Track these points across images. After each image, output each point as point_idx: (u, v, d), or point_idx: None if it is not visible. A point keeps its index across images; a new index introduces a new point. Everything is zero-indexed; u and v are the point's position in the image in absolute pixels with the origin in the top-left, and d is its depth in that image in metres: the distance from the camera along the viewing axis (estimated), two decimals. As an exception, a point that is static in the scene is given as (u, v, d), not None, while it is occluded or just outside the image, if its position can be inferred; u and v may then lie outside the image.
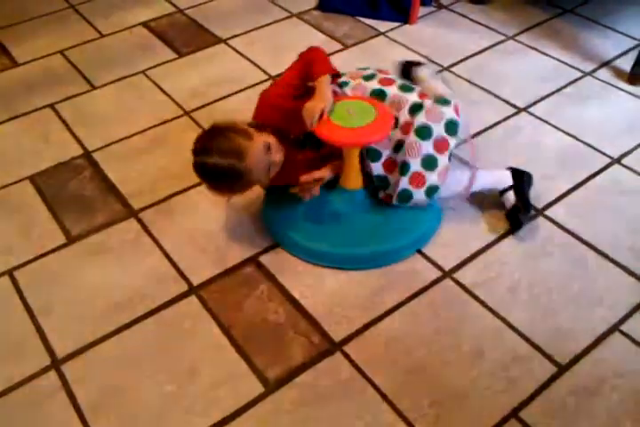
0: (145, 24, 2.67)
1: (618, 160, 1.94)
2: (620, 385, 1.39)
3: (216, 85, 2.30)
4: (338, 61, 2.37)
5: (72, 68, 2.43)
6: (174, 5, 2.78)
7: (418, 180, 1.61)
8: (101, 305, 1.59)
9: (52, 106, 2.23)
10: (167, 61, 2.44)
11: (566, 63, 2.36)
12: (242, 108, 2.17)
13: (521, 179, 1.75)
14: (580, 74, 2.31)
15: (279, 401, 1.38)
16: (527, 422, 1.33)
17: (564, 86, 2.25)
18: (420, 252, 1.68)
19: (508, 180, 1.75)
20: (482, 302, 1.56)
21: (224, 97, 2.24)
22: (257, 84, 2.29)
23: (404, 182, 1.60)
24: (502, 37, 2.52)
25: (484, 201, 1.81)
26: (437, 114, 1.59)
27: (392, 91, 1.65)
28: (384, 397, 1.38)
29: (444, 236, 1.72)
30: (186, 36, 2.58)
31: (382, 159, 1.64)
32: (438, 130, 1.59)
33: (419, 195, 1.62)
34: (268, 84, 2.29)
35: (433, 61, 2.38)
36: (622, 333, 1.49)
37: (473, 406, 1.36)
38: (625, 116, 2.11)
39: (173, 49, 2.51)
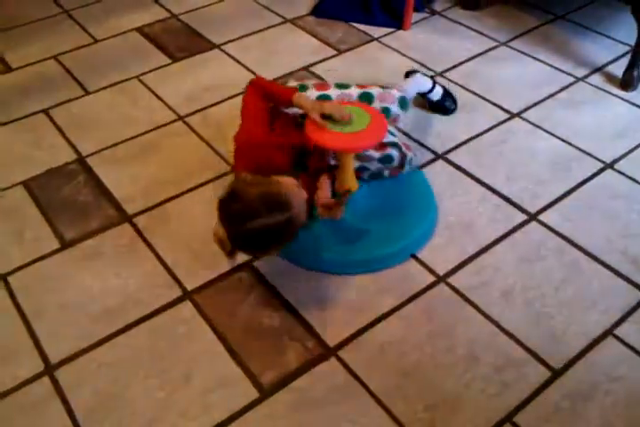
0: (139, 29, 2.67)
1: (610, 165, 1.96)
2: (614, 389, 1.40)
3: (210, 91, 2.30)
4: (332, 67, 2.40)
5: (66, 73, 2.43)
6: (168, 11, 2.79)
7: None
8: (95, 310, 1.58)
9: (45, 111, 2.23)
10: (161, 67, 2.44)
11: (559, 69, 2.38)
12: (235, 114, 2.17)
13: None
14: (572, 79, 2.32)
15: (274, 406, 1.38)
16: (521, 427, 1.34)
17: (557, 92, 2.26)
18: (414, 256, 1.69)
19: (427, 83, 2.05)
20: (476, 307, 1.57)
21: (218, 102, 2.24)
22: (251, 89, 2.29)
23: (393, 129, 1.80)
24: (495, 43, 2.53)
25: (478, 207, 1.81)
26: (389, 96, 1.76)
27: (333, 93, 1.73)
28: (379, 401, 1.38)
29: (438, 240, 1.73)
30: (180, 42, 2.58)
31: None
32: (395, 109, 1.77)
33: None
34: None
35: (426, 67, 2.39)
36: (616, 337, 1.50)
37: (467, 411, 1.37)
38: (617, 121, 2.12)
39: (167, 54, 2.51)
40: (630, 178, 1.91)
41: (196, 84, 2.34)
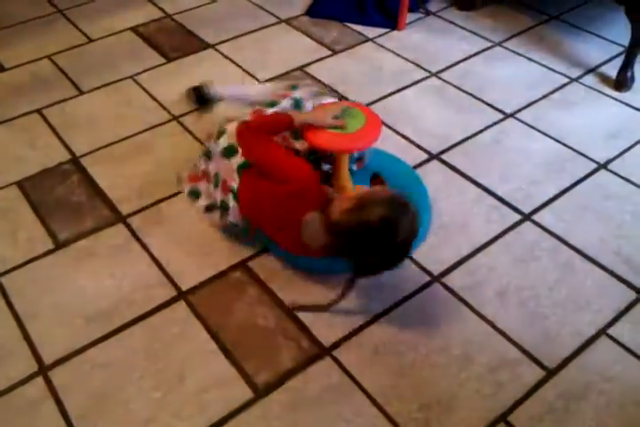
0: (133, 29, 2.66)
1: (604, 165, 1.96)
2: (608, 389, 1.40)
3: (205, 91, 2.29)
4: (326, 67, 2.40)
5: (60, 72, 2.42)
6: (163, 11, 2.78)
7: None
8: (89, 311, 1.58)
9: (39, 111, 2.22)
10: (155, 66, 2.44)
11: (553, 69, 2.38)
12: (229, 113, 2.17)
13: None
14: (566, 80, 2.33)
15: (268, 406, 1.38)
16: (515, 426, 1.34)
17: (551, 92, 2.27)
18: (409, 257, 1.69)
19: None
20: (470, 307, 1.57)
21: (213, 102, 2.24)
22: (245, 89, 2.30)
23: None
24: (489, 44, 2.54)
25: (473, 208, 1.82)
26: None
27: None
28: (374, 401, 1.38)
29: (432, 241, 1.73)
30: (174, 42, 2.58)
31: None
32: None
33: None
34: (256, 89, 2.29)
35: (421, 67, 2.40)
36: (609, 337, 1.50)
37: (462, 410, 1.37)
38: (611, 121, 2.13)
39: (162, 54, 2.51)
40: (624, 178, 1.91)
41: (190, 84, 2.32)
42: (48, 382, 1.43)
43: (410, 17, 2.67)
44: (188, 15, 2.75)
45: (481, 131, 2.10)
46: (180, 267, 1.67)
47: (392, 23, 2.63)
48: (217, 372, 1.44)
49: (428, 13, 2.74)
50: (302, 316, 1.55)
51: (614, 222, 1.78)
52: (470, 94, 2.26)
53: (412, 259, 1.68)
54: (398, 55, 2.47)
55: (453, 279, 1.63)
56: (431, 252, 1.70)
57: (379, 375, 1.43)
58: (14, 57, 2.50)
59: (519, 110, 2.18)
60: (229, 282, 1.64)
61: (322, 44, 2.55)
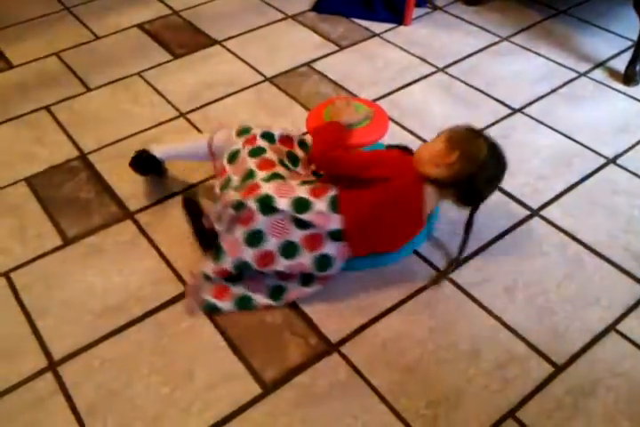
0: (140, 26, 2.66)
1: (613, 160, 1.95)
2: (617, 385, 1.40)
3: (211, 87, 2.30)
4: (333, 62, 2.40)
5: (67, 69, 2.42)
6: (169, 7, 2.78)
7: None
8: (98, 307, 1.58)
9: (47, 108, 2.23)
10: (162, 63, 2.44)
11: (561, 64, 2.37)
12: (237, 110, 2.18)
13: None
14: (574, 74, 2.32)
15: (276, 402, 1.38)
16: (524, 422, 1.34)
17: (559, 87, 2.26)
18: (416, 252, 1.69)
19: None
20: (478, 303, 1.57)
21: (219, 98, 2.24)
22: (252, 85, 2.30)
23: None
24: (497, 38, 2.53)
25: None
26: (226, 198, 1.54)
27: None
28: (381, 397, 1.38)
29: (439, 236, 1.73)
30: (181, 38, 2.58)
31: None
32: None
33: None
34: (263, 85, 2.29)
35: (428, 62, 2.39)
36: (618, 332, 1.50)
37: (470, 407, 1.37)
38: (620, 116, 2.12)
39: (168, 50, 2.51)
40: (633, 173, 1.90)
41: (197, 81, 2.33)
42: (57, 377, 1.44)
43: (416, 12, 2.66)
44: (195, 12, 2.75)
45: (489, 126, 2.09)
46: (187, 263, 1.68)
47: (399, 18, 2.62)
48: (225, 368, 1.45)
49: (434, 8, 2.73)
50: (310, 312, 1.55)
51: (623, 218, 1.77)
52: (478, 89, 2.25)
53: (419, 254, 1.68)
54: (405, 50, 2.47)
55: (461, 275, 1.63)
56: (438, 247, 1.70)
57: (386, 371, 1.43)
58: (22, 54, 2.51)
59: (527, 105, 2.17)
60: (237, 278, 1.64)
61: (328, 39, 2.54)
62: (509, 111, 2.15)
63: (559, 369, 1.43)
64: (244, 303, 1.55)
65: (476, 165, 1.41)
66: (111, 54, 2.50)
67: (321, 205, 1.43)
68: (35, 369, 1.46)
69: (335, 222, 1.44)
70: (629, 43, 2.45)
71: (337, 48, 2.49)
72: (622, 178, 1.89)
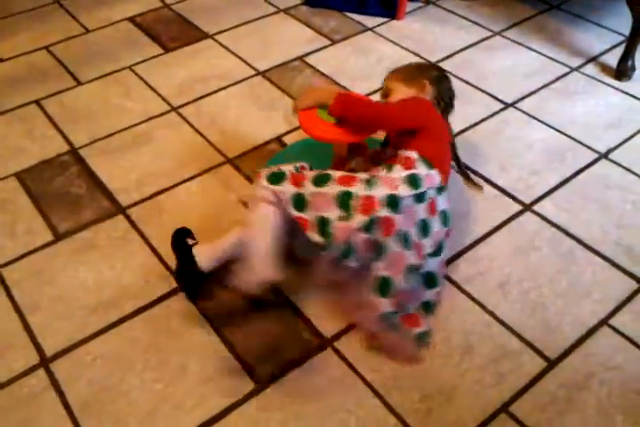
0: (131, 19, 2.64)
1: (605, 155, 1.96)
2: (609, 379, 1.40)
3: (203, 81, 2.28)
4: (325, 56, 2.39)
5: (57, 63, 2.40)
6: (160, 0, 2.76)
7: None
8: (90, 303, 1.57)
9: (37, 102, 2.21)
10: (154, 57, 2.42)
11: (553, 59, 2.37)
12: (230, 104, 2.17)
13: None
14: (566, 69, 2.32)
15: (270, 398, 1.38)
16: (517, 417, 1.34)
17: (552, 82, 2.26)
18: (409, 247, 1.69)
19: None
20: (471, 297, 1.57)
21: (211, 93, 2.23)
22: (244, 79, 2.28)
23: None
24: (489, 33, 2.53)
25: (473, 197, 1.81)
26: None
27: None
28: (375, 392, 1.38)
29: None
30: (172, 32, 2.56)
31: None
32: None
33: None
34: (255, 79, 2.28)
35: (420, 56, 2.38)
36: (611, 327, 1.50)
37: (463, 401, 1.37)
38: (612, 111, 2.12)
39: (160, 44, 2.49)
40: (625, 168, 1.91)
41: (189, 75, 2.32)
42: (49, 373, 1.43)
43: (409, 6, 2.66)
44: (186, 5, 2.73)
45: (481, 121, 2.09)
46: (180, 258, 1.67)
47: (391, 12, 2.61)
48: (218, 363, 1.44)
49: (427, 2, 2.73)
50: (303, 307, 1.55)
51: (615, 212, 1.77)
52: (470, 84, 2.25)
53: (412, 250, 1.68)
54: (398, 45, 2.46)
55: (454, 270, 1.63)
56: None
57: (380, 366, 1.43)
58: (11, 48, 2.49)
59: (519, 100, 2.17)
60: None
61: (321, 33, 2.53)
62: (502, 106, 2.15)
63: (552, 364, 1.43)
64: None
65: (444, 79, 1.67)
66: (102, 48, 2.48)
67: (421, 170, 1.42)
68: (26, 366, 1.45)
69: (437, 177, 1.44)
70: (621, 38, 2.45)
71: (329, 42, 2.48)
72: (615, 173, 1.90)
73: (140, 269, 1.65)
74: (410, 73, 1.64)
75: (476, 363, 1.44)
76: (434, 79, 1.62)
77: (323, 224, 1.35)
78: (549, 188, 1.85)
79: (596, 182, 1.86)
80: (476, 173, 1.89)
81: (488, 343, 1.47)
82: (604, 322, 1.51)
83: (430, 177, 1.43)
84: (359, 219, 1.34)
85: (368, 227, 1.34)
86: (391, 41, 2.48)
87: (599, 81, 2.26)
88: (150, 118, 2.13)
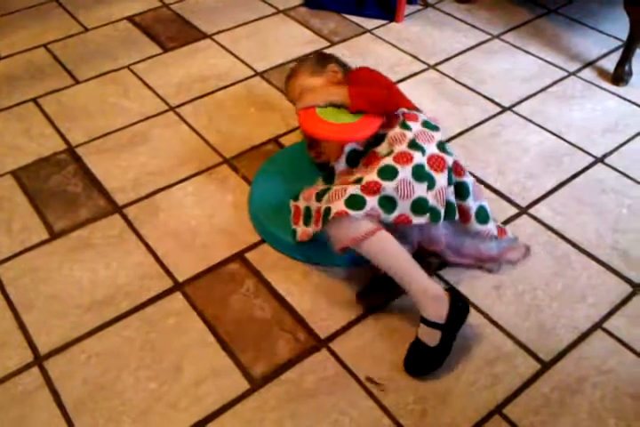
0: (130, 18, 2.64)
1: (601, 159, 1.96)
2: (603, 382, 1.41)
3: (201, 81, 2.28)
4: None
5: (55, 62, 2.40)
6: (160, 0, 2.76)
7: (337, 195, 1.41)
8: (85, 301, 1.57)
9: (34, 100, 2.21)
10: (152, 56, 2.42)
11: (551, 63, 2.38)
12: (227, 104, 2.17)
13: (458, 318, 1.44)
14: (564, 73, 2.33)
15: (264, 398, 1.38)
16: (511, 419, 1.34)
17: (549, 86, 2.26)
18: (405, 249, 1.69)
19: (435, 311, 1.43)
20: (467, 300, 1.57)
21: (209, 93, 2.23)
22: (242, 79, 2.29)
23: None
24: (487, 36, 2.53)
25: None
26: (336, 195, 1.42)
27: (382, 162, 1.45)
28: (369, 393, 1.39)
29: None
30: (171, 31, 2.56)
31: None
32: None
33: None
34: (254, 80, 2.28)
35: (419, 59, 2.39)
36: (605, 330, 1.51)
37: (457, 403, 1.37)
38: (608, 115, 2.13)
39: (158, 44, 2.49)
40: (621, 172, 1.92)
41: (187, 75, 2.32)
42: (44, 371, 1.43)
43: (408, 9, 2.66)
44: (186, 5, 2.73)
45: (478, 124, 2.09)
46: (176, 258, 1.67)
47: (390, 15, 2.62)
48: (213, 363, 1.44)
49: (426, 5, 2.73)
50: (299, 308, 1.55)
51: (611, 216, 1.78)
52: (468, 87, 2.25)
53: (408, 251, 1.68)
54: (396, 47, 2.47)
55: (449, 272, 1.63)
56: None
57: (375, 367, 1.43)
58: (10, 45, 2.49)
59: (517, 104, 2.18)
60: (226, 273, 1.63)
61: (320, 35, 2.54)
62: (499, 109, 2.16)
63: (546, 366, 1.44)
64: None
65: (341, 61, 1.80)
66: (100, 47, 2.48)
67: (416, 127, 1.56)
68: (20, 364, 1.45)
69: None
70: (619, 42, 2.46)
71: (328, 44, 2.49)
72: (610, 177, 1.90)
73: (136, 269, 1.65)
74: (314, 66, 1.73)
75: (471, 365, 1.44)
76: (339, 63, 1.76)
77: (421, 202, 1.43)
78: (545, 191, 1.86)
79: (592, 186, 1.87)
80: (472, 175, 1.89)
81: (482, 345, 1.48)
82: (598, 326, 1.52)
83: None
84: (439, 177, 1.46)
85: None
86: (390, 43, 2.49)
87: (596, 85, 2.27)
88: (148, 118, 2.13)
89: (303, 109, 1.55)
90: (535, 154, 1.98)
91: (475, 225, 1.56)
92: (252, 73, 2.33)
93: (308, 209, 1.54)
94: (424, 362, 1.39)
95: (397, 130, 1.52)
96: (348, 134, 1.52)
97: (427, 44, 2.49)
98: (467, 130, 2.06)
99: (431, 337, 1.37)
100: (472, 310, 1.54)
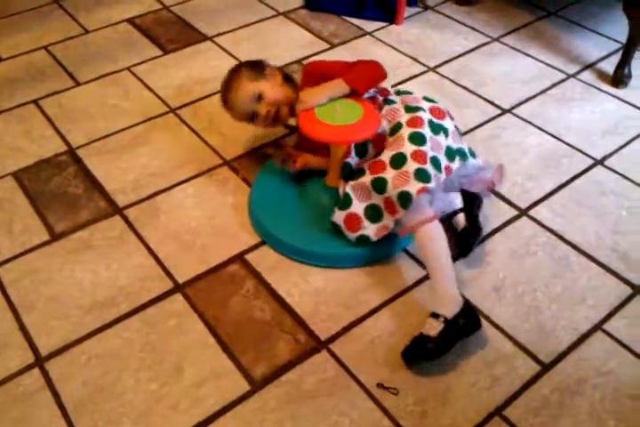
0: (130, 20, 2.65)
1: (601, 161, 1.97)
2: (602, 384, 1.41)
3: (202, 83, 2.29)
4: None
5: (56, 63, 2.41)
6: (160, 2, 2.77)
7: (353, 222, 1.57)
8: (86, 302, 1.58)
9: (35, 102, 2.21)
10: (152, 58, 2.43)
11: (550, 65, 2.38)
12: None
13: (472, 202, 1.67)
14: (563, 76, 2.33)
15: (265, 399, 1.38)
16: (511, 420, 1.34)
17: (548, 88, 2.27)
18: (405, 251, 1.69)
19: (457, 202, 1.71)
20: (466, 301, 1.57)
21: (210, 95, 2.23)
22: (243, 82, 2.29)
23: (338, 217, 1.60)
24: (487, 39, 2.54)
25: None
26: (403, 181, 1.47)
27: (404, 132, 1.55)
28: (369, 394, 1.39)
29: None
30: (171, 33, 2.57)
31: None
32: (390, 193, 1.49)
33: (349, 236, 1.60)
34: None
35: (419, 62, 2.40)
36: (605, 332, 1.51)
37: (457, 404, 1.37)
38: (608, 117, 2.14)
39: (159, 46, 2.50)
40: (620, 174, 1.92)
41: (187, 77, 2.33)
42: (44, 373, 1.43)
43: (408, 11, 2.67)
44: (186, 7, 2.73)
45: (478, 126, 2.10)
46: (176, 259, 1.67)
47: (390, 17, 2.62)
48: (213, 364, 1.45)
49: (426, 8, 2.74)
50: (298, 309, 1.55)
51: (610, 218, 1.78)
52: (468, 89, 2.26)
53: (407, 252, 1.68)
54: (396, 49, 2.47)
55: (450, 274, 1.64)
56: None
57: (375, 369, 1.44)
58: (11, 47, 2.49)
59: (516, 106, 2.19)
60: (226, 275, 1.64)
61: (320, 37, 2.54)
62: (499, 111, 2.16)
63: (546, 368, 1.44)
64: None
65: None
66: (101, 49, 2.49)
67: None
68: (21, 365, 1.45)
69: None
70: (618, 45, 2.47)
71: (328, 46, 2.49)
72: (610, 179, 1.91)
73: (136, 270, 1.65)
74: (255, 72, 1.71)
75: (471, 366, 1.44)
76: (270, 66, 1.77)
77: (449, 151, 1.59)
78: (545, 193, 1.86)
79: (592, 188, 1.87)
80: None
81: (483, 347, 1.48)
82: (597, 327, 1.52)
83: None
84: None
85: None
86: (390, 46, 2.49)
87: (596, 88, 2.27)
88: (148, 119, 2.13)
89: (303, 112, 1.55)
90: (535, 156, 1.98)
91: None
92: (253, 75, 2.33)
93: (371, 207, 1.55)
94: (420, 351, 1.40)
95: (387, 107, 1.64)
96: (350, 136, 1.52)
97: (427, 46, 2.50)
98: (467, 132, 2.06)
99: (433, 328, 1.40)
100: (472, 312, 1.54)
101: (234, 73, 1.74)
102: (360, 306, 1.56)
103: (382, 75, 1.64)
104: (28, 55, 2.45)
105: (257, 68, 1.73)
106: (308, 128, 1.52)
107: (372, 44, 2.51)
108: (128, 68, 2.37)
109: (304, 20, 2.65)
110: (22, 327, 1.52)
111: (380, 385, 1.40)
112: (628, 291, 1.60)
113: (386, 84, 1.73)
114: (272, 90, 1.68)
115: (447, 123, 1.64)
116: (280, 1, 2.76)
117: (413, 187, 1.44)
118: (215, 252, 1.69)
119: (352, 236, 1.59)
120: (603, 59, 2.42)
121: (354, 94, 1.58)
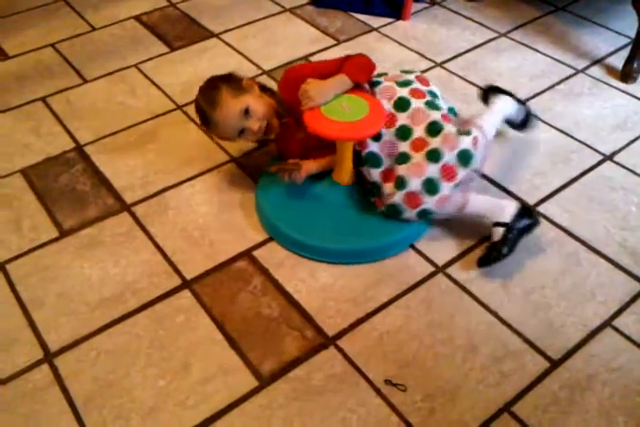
0: (137, 17, 2.65)
1: (610, 157, 1.96)
2: (612, 380, 1.40)
3: (209, 80, 2.29)
4: (331, 56, 2.38)
5: (63, 61, 2.41)
6: (167, -1, 2.77)
7: (413, 200, 1.57)
8: (94, 299, 1.58)
9: (43, 99, 2.22)
10: (159, 55, 2.43)
11: (559, 60, 2.37)
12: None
13: (519, 220, 1.60)
14: (572, 71, 2.32)
15: (272, 395, 1.38)
16: (519, 417, 1.34)
17: (557, 83, 2.26)
18: (413, 247, 1.69)
19: (504, 215, 1.60)
20: (475, 297, 1.57)
21: (217, 91, 2.23)
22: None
23: (398, 197, 1.58)
24: (495, 34, 2.53)
25: (477, 197, 1.81)
26: (453, 141, 1.57)
27: (417, 104, 1.65)
28: (377, 391, 1.39)
29: (437, 231, 1.73)
30: (178, 30, 2.57)
31: (382, 167, 1.64)
32: (449, 157, 1.55)
33: (409, 213, 1.59)
34: (260, 78, 2.28)
35: (426, 57, 2.39)
36: (614, 328, 1.50)
37: (466, 401, 1.37)
38: (617, 113, 2.12)
39: (166, 43, 2.50)
40: (629, 170, 1.91)
41: (194, 73, 2.32)
42: (54, 369, 1.44)
43: (415, 7, 2.66)
44: (192, 4, 2.73)
45: (486, 122, 2.09)
46: (184, 256, 1.67)
47: (397, 13, 2.61)
48: (221, 361, 1.45)
49: (433, 3, 2.73)
50: (306, 305, 1.55)
51: (620, 214, 1.77)
52: (475, 85, 2.25)
53: (415, 249, 1.68)
54: (403, 45, 2.46)
55: (457, 270, 1.63)
56: (435, 242, 1.70)
57: (383, 365, 1.44)
58: (18, 45, 2.50)
59: (525, 101, 2.17)
60: (234, 271, 1.64)
61: (326, 33, 2.54)
62: (507, 107, 2.15)
63: (555, 364, 1.43)
64: None
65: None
66: (108, 46, 2.49)
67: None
68: (30, 361, 1.46)
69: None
70: (627, 40, 2.45)
71: (335, 42, 2.49)
72: (619, 175, 1.90)
73: (145, 266, 1.65)
74: (235, 87, 1.67)
75: (479, 363, 1.44)
76: (243, 77, 1.73)
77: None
78: (554, 189, 1.85)
79: (601, 184, 1.86)
80: (482, 173, 1.88)
81: (491, 343, 1.47)
82: (607, 323, 1.51)
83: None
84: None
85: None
86: (397, 41, 2.48)
87: (605, 83, 2.26)
88: (155, 116, 2.13)
89: (309, 110, 1.54)
90: (543, 151, 1.98)
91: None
92: (259, 71, 2.33)
93: (427, 182, 1.56)
94: (489, 254, 1.58)
95: (379, 87, 1.69)
96: (366, 130, 1.52)
97: (434, 41, 2.49)
98: (474, 128, 2.05)
99: (498, 234, 1.59)
100: (479, 309, 1.55)
101: (212, 91, 1.67)
102: (368, 302, 1.56)
103: (374, 65, 1.66)
104: (35, 53, 2.46)
105: (234, 82, 1.69)
106: (319, 127, 1.51)
107: (379, 39, 2.50)
108: (135, 65, 2.38)
109: (310, 16, 2.64)
110: (31, 323, 1.53)
111: (387, 381, 1.40)
112: (638, 287, 1.59)
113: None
114: (257, 103, 1.65)
115: (434, 87, 1.77)
116: (287, -3, 2.76)
117: (466, 143, 1.57)
118: (223, 248, 1.69)
119: (413, 212, 1.59)
120: (611, 54, 2.40)
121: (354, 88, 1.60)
